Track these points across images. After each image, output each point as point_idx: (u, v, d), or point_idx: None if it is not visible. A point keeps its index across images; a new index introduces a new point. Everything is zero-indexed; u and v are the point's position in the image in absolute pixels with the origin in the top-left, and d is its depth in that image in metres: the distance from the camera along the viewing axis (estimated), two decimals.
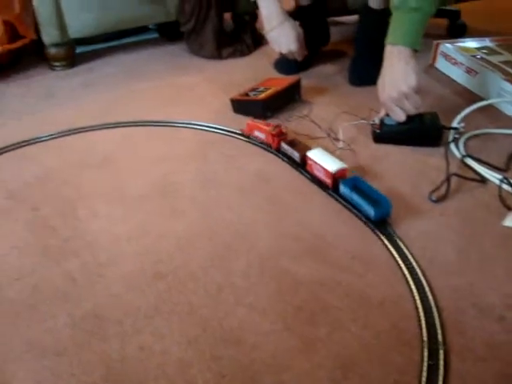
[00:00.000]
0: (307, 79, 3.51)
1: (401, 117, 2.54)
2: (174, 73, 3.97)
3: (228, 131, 3.04)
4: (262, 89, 3.20)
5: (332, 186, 2.31)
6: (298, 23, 3.41)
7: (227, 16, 4.42)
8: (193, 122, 3.14)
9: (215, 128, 3.02)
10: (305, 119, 3.12)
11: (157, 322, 2.04)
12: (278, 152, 2.67)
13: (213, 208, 2.51)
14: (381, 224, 2.30)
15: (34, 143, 3.11)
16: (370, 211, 2.11)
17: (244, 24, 4.27)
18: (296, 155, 2.54)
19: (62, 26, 3.88)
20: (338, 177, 2.28)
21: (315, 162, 2.35)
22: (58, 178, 2.78)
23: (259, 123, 2.73)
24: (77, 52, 4.31)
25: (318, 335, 2.01)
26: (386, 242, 2.28)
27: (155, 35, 4.85)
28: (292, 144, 2.60)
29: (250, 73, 3.87)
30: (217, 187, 2.64)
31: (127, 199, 2.62)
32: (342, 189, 2.24)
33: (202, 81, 3.79)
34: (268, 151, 2.86)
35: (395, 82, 2.45)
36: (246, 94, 3.19)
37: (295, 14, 3.74)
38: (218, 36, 4.01)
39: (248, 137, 2.82)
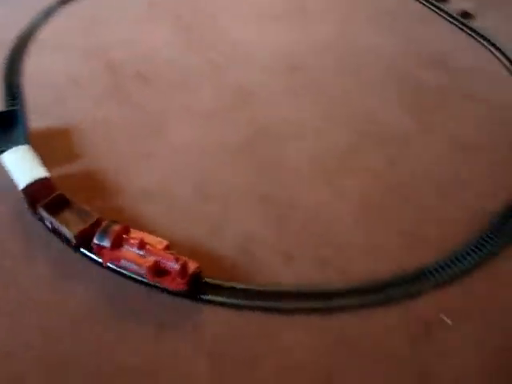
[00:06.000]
0: None
1: None
2: None
3: None
4: None
5: None
6: None
7: None
8: None
9: None
10: None
11: (293, 99, 2.35)
12: None
13: (346, 26, 2.75)
14: None
15: None
16: None
17: None
18: None
19: None
20: None
21: None
22: None
23: None
24: None
25: (436, 120, 2.29)
26: (505, 59, 2.49)
27: None
28: None
29: None
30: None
31: (263, 19, 2.88)
32: None
33: None
34: None
35: None
36: None
37: None
38: None
39: None
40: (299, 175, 2.19)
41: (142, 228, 2.37)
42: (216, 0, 2.86)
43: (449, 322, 1.93)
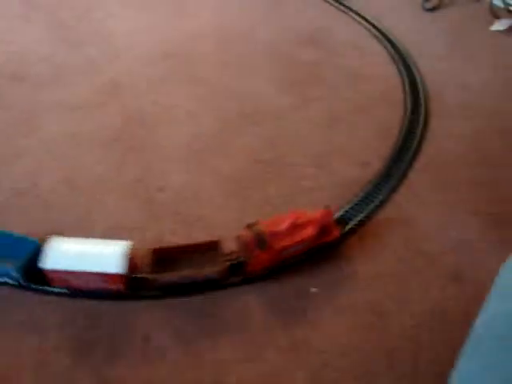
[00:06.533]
0: None
1: None
2: None
3: None
4: None
5: None
6: None
7: None
8: None
9: None
10: None
11: (167, 86, 2.36)
12: None
13: (223, 11, 2.77)
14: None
15: None
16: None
17: None
18: None
19: None
20: None
21: None
22: None
23: None
24: None
25: (312, 95, 2.35)
26: (378, 33, 2.61)
27: None
28: None
29: None
30: None
31: (139, 9, 2.87)
32: None
33: None
34: None
35: None
36: None
37: None
38: None
39: None
40: (170, 159, 2.17)
41: (11, 223, 2.20)
42: None
43: (316, 290, 1.97)
